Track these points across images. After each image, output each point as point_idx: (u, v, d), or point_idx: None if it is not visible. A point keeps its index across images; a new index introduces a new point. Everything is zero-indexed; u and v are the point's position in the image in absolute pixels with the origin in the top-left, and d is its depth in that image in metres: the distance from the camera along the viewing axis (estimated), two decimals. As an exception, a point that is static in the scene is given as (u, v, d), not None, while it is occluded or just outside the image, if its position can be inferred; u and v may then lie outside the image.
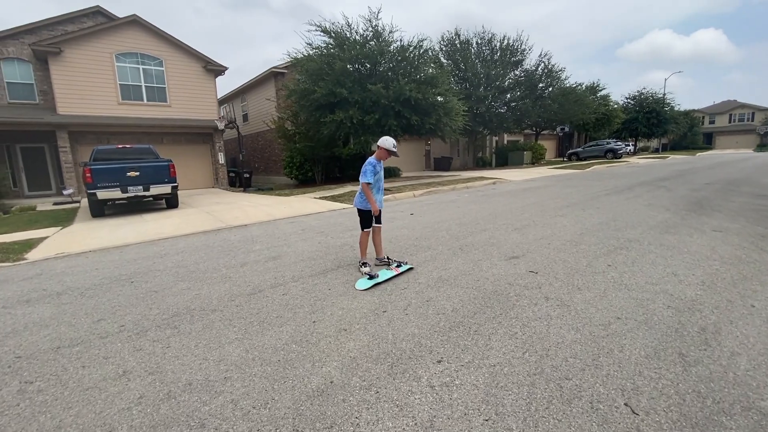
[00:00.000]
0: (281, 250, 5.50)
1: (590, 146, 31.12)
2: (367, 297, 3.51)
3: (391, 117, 14.29)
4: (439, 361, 2.39)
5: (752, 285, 3.35)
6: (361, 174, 4.11)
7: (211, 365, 2.51)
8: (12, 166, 15.37)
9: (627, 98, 40.13)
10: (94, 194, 9.29)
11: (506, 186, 13.23)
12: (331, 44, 15.13)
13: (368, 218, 4.25)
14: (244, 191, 16.54)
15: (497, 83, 22.38)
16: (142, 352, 2.74)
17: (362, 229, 4.32)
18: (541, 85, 24.46)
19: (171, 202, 10.84)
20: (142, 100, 16.76)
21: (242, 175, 19.81)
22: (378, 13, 15.01)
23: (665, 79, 53.52)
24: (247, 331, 2.98)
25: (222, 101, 27.60)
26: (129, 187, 9.62)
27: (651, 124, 37.59)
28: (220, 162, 18.43)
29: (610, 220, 6.29)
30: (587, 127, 31.79)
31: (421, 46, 15.40)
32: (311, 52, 15.39)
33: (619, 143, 29.92)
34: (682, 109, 45.45)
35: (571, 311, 2.99)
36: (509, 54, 22.95)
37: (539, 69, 23.70)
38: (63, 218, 10.09)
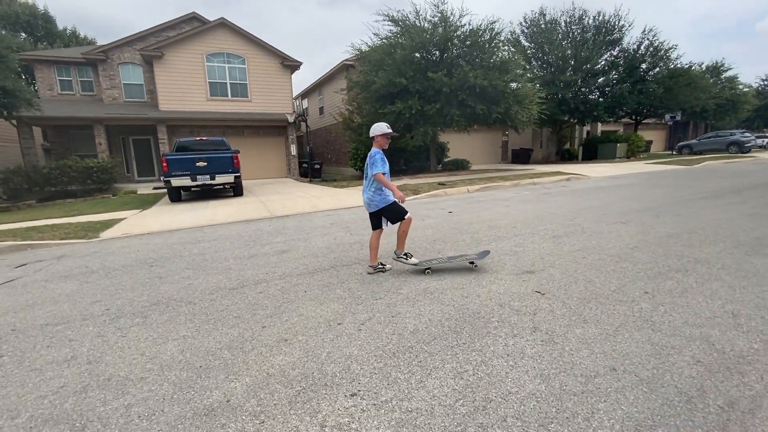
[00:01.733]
0: (295, 244, 5.47)
1: (708, 138, 26.04)
2: (335, 305, 3.24)
3: (454, 106, 13.53)
4: (353, 395, 2.04)
5: None
6: (370, 167, 3.81)
7: (140, 362, 2.49)
8: (126, 154, 18.12)
9: (764, 80, 32.74)
10: (169, 181, 10.42)
11: (581, 183, 11.66)
12: (398, 33, 14.80)
13: (397, 208, 3.88)
14: (310, 182, 17.24)
15: (587, 66, 19.81)
16: (100, 339, 2.86)
17: (402, 220, 3.90)
18: (643, 66, 21.08)
19: (236, 190, 11.70)
20: (227, 96, 18.38)
21: (313, 165, 20.65)
22: (445, -4, 14.18)
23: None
24: (199, 329, 2.93)
25: (302, 95, 29.14)
26: (198, 176, 10.59)
27: (800, 109, 30.19)
28: (292, 153, 19.46)
29: (686, 231, 5.03)
30: (706, 114, 26.63)
31: (493, 28, 14.23)
32: (378, 43, 15.25)
33: (748, 134, 24.49)
34: None
35: (555, 350, 2.35)
36: (604, 32, 20.12)
37: (641, 47, 20.39)
38: (149, 202, 11.54)
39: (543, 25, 21.04)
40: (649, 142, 35.87)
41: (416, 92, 13.56)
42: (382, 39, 15.20)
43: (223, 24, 17.66)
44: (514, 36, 21.24)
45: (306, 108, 30.02)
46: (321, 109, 25.79)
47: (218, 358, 2.50)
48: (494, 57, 14.50)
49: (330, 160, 25.59)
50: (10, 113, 12.75)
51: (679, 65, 21.09)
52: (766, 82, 32.27)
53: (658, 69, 20.77)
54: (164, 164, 10.30)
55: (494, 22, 14.04)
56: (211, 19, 18.04)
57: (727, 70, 26.02)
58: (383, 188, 3.87)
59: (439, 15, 14.42)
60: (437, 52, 14.72)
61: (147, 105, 18.07)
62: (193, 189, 11.23)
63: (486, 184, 11.33)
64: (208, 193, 12.33)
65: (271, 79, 19.06)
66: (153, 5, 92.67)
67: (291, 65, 19.34)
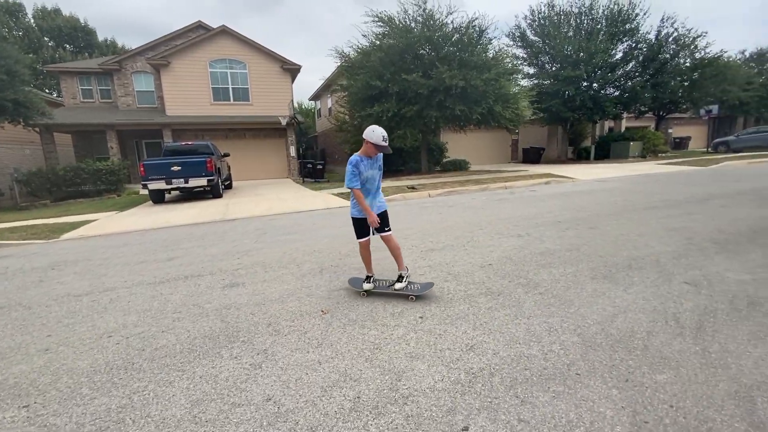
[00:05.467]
0: (192, 251, 5.75)
1: (749, 134, 23.59)
2: (133, 317, 3.44)
3: (433, 108, 13.32)
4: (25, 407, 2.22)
5: None
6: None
7: None
8: (139, 157, 19.48)
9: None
10: (146, 185, 11.15)
11: (555, 187, 11.11)
12: (382, 34, 14.78)
13: (361, 226, 3.56)
14: (303, 182, 17.66)
15: (598, 59, 18.60)
16: None
17: (357, 239, 3.63)
18: (666, 56, 19.45)
19: (213, 192, 12.28)
20: (229, 100, 19.22)
21: (315, 166, 21.04)
22: (427, -8, 13.94)
23: None
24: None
25: (314, 97, 29.75)
26: (173, 180, 11.24)
27: None
28: (291, 155, 20.01)
29: (571, 248, 4.73)
30: (747, 108, 24.15)
31: (476, 26, 13.81)
32: (363, 45, 15.30)
33: (798, 129, 21.94)
34: None
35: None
36: (618, 22, 18.80)
37: (661, 37, 18.82)
38: (135, 203, 12.42)
39: (552, 18, 20.01)
40: (686, 139, 33.15)
41: (395, 94, 13.49)
42: (368, 40, 15.24)
43: (224, 31, 18.46)
44: (519, 31, 20.43)
45: (319, 109, 30.66)
46: (330, 110, 26.24)
47: (-24, 364, 2.78)
48: (483, 55, 14.07)
49: (337, 160, 25.98)
50: (26, 122, 14.16)
51: (709, 55, 19.24)
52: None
53: (680, 60, 19.09)
54: (141, 169, 11.04)
55: (476, 18, 13.61)
56: (215, 27, 18.89)
57: (772, 57, 23.43)
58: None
59: (424, 14, 14.22)
60: (423, 52, 14.52)
61: (157, 110, 19.30)
62: (173, 192, 11.95)
63: (451, 188, 11.09)
64: (191, 195, 13.03)
65: (272, 83, 19.67)
66: (191, 11, 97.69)
67: (291, 69, 19.85)
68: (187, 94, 18.31)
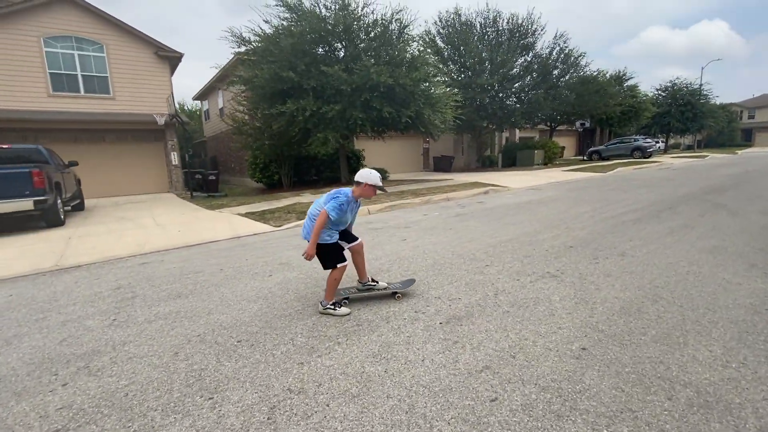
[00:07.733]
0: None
1: (614, 144, 27.31)
2: None
3: (358, 108, 11.39)
4: None
5: None
6: (330, 201, 3.03)
7: None
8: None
9: (658, 90, 35.73)
10: None
11: (499, 197, 10.17)
12: (291, 20, 12.36)
13: (334, 251, 3.13)
14: (192, 198, 14.01)
15: (503, 70, 19.03)
16: None
17: (330, 268, 3.15)
18: (555, 72, 20.96)
19: (49, 218, 8.30)
20: (78, 91, 14.43)
21: (207, 177, 17.25)
22: (343, -21, 12.06)
23: (702, 68, 46.41)
24: None
25: (201, 95, 25.43)
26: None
27: (685, 118, 33.22)
28: (174, 163, 15.99)
29: (644, 297, 3.25)
30: (611, 121, 27.92)
31: (399, 19, 12.39)
32: (269, 32, 12.65)
33: (649, 140, 26.00)
34: (719, 102, 40.44)
35: None
36: (518, 36, 19.57)
37: (554, 53, 20.20)
38: None
39: (458, 26, 20.00)
40: (562, 148, 37.49)
41: (312, 90, 11.20)
42: (273, 27, 12.64)
43: (68, -1, 13.77)
44: (429, 36, 19.94)
45: (207, 110, 26.28)
46: (221, 111, 22.38)
47: None
48: (404, 53, 12.69)
49: (234, 170, 22.31)
50: None
51: (588, 73, 21.34)
52: (659, 92, 35.05)
53: (568, 75, 20.76)
54: None
55: (400, 11, 12.19)
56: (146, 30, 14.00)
57: (628, 79, 27.46)
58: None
59: (339, 2, 12.27)
60: (339, 45, 12.54)
61: (-45, 101, 13.45)
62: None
63: (391, 203, 9.27)
64: (9, 223, 8.65)
65: (143, 73, 15.44)
66: None
67: (169, 56, 15.89)
68: (8, 80, 13.08)
